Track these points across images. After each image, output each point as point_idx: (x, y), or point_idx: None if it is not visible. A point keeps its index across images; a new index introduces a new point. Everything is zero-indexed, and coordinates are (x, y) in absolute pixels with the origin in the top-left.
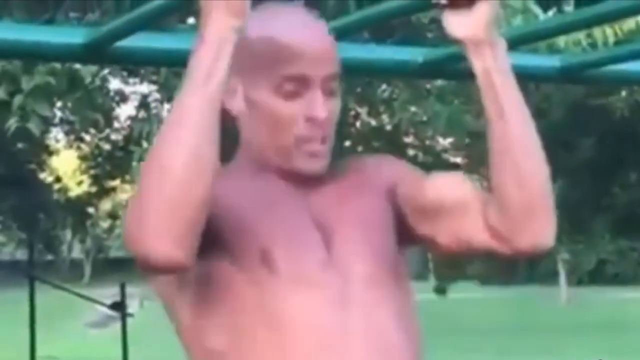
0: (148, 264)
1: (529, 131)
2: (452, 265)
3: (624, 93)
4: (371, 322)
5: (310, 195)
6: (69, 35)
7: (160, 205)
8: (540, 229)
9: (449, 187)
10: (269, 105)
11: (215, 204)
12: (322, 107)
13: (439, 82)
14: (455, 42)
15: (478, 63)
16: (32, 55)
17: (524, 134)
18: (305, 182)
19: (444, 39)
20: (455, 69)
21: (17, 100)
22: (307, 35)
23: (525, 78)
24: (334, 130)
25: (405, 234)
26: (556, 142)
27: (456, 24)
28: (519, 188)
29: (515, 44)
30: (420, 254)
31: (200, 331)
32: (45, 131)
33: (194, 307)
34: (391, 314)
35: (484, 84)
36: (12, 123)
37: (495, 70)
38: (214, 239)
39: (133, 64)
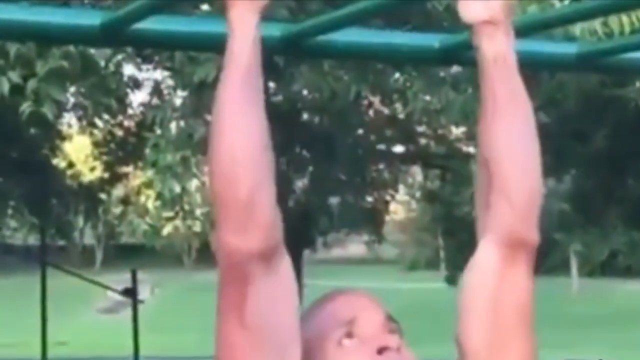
0: (220, 255)
1: (532, 122)
2: (464, 255)
3: (638, 84)
4: None
5: None
6: (85, 17)
7: (214, 200)
8: (534, 220)
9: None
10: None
11: None
12: (391, 338)
13: (454, 70)
14: (470, 27)
15: (490, 47)
16: (48, 38)
17: (529, 123)
18: None
19: (460, 26)
20: (471, 55)
21: (31, 84)
22: (353, 297)
23: (541, 64)
24: None
25: None
26: (569, 133)
27: (471, 7)
28: (526, 179)
29: (530, 30)
30: (431, 242)
31: None
32: (59, 116)
33: None
34: None
35: (494, 69)
36: (26, 107)
37: (508, 55)
38: None
39: (148, 47)
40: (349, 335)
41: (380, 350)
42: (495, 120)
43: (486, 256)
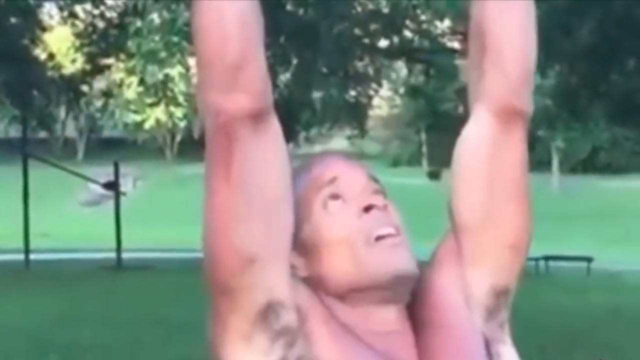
0: (207, 115)
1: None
2: (447, 151)
3: None
4: None
5: (393, 340)
6: None
7: (200, 61)
8: (529, 89)
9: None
10: (323, 222)
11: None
12: (375, 197)
13: None
14: None
15: None
16: None
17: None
18: (388, 333)
19: None
20: None
21: None
22: (334, 158)
23: None
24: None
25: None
26: (555, 27)
27: None
28: (523, 47)
29: None
30: (414, 138)
31: None
32: (39, 5)
33: None
34: None
35: None
36: None
37: None
38: None
39: None
40: (333, 196)
41: (367, 209)
42: None
43: (480, 127)
